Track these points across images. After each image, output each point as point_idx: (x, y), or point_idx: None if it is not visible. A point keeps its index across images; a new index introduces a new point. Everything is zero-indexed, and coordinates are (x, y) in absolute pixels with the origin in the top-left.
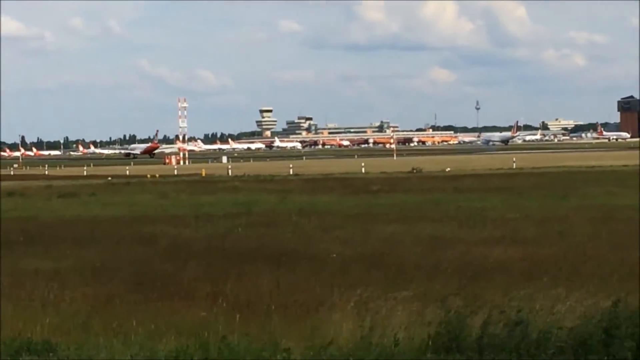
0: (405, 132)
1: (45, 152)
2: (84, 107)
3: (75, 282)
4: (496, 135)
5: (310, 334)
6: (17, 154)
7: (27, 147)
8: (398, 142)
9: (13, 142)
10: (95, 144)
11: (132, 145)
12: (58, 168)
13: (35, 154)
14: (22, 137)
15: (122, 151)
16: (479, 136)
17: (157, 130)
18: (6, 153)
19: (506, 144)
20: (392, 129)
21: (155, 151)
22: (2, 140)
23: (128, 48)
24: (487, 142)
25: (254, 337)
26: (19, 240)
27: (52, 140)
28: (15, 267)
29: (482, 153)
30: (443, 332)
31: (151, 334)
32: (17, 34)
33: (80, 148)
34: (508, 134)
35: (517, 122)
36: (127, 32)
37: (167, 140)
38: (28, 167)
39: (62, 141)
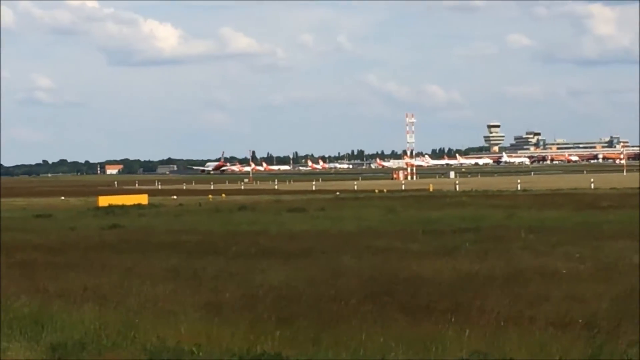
0: (635, 148)
1: (275, 167)
2: (313, 122)
3: (308, 295)
4: None
5: (539, 350)
6: (247, 168)
7: (257, 162)
8: (628, 158)
9: (244, 157)
10: (324, 159)
11: (207, 163)
12: (287, 183)
13: (265, 169)
14: (253, 152)
15: (199, 168)
16: None
17: (223, 152)
18: (237, 168)
19: None
20: (622, 144)
21: (224, 168)
22: (233, 155)
23: (357, 64)
24: None
25: (482, 352)
26: (252, 253)
27: (281, 155)
28: (249, 282)
29: None
30: None
31: (380, 348)
32: (249, 51)
33: (309, 163)
34: None
35: None
36: (356, 47)
37: (394, 156)
38: (258, 182)
39: (291, 156)
